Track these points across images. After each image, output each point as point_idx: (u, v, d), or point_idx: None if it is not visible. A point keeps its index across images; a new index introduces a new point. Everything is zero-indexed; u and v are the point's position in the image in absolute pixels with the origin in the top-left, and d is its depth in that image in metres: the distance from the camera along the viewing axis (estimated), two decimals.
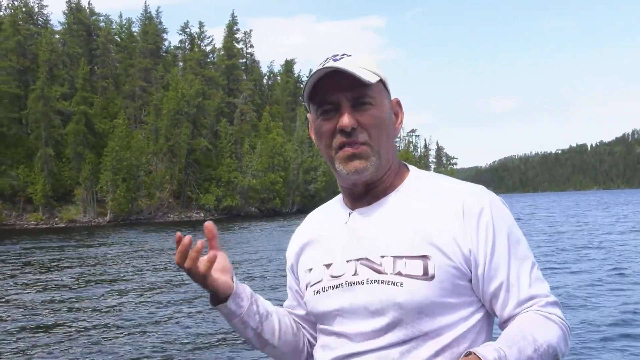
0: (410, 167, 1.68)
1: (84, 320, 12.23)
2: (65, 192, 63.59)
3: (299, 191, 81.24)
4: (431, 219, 1.51)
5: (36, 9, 74.33)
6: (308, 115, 1.72)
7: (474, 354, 1.26)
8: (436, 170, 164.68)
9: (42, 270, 20.87)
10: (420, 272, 1.46)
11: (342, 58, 1.57)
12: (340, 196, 1.78)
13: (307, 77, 1.62)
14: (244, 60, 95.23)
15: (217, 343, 10.05)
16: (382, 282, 1.49)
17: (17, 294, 15.86)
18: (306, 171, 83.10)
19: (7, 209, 60.49)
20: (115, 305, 13.83)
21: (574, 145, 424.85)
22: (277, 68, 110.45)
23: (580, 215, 53.07)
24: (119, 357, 9.37)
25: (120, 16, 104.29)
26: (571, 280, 15.46)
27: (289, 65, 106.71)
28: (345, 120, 1.53)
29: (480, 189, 1.60)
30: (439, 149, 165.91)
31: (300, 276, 1.77)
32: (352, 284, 1.55)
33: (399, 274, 1.47)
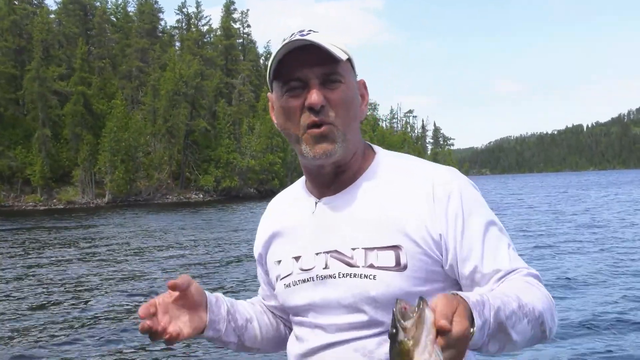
0: (376, 148, 1.60)
1: (79, 299, 12.32)
2: (64, 174, 63.49)
3: (297, 172, 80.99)
4: (400, 205, 1.46)
5: None
6: (269, 94, 1.62)
7: (457, 294, 1.16)
8: (433, 150, 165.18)
9: (40, 252, 20.77)
10: (393, 263, 1.42)
11: (309, 34, 1.48)
12: (302, 181, 1.70)
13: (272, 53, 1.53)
14: (240, 40, 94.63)
15: None
16: (355, 275, 1.44)
17: (15, 275, 15.77)
18: None
19: (5, 190, 60.39)
20: (115, 286, 13.80)
21: (570, 125, 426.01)
22: (274, 48, 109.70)
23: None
24: (114, 334, 9.37)
25: None
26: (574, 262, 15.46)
27: None
28: (314, 97, 1.44)
29: (449, 171, 1.53)
30: (436, 130, 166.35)
31: (269, 268, 1.72)
32: (324, 277, 1.50)
33: (371, 266, 1.43)
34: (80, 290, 13.45)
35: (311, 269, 1.54)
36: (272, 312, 1.82)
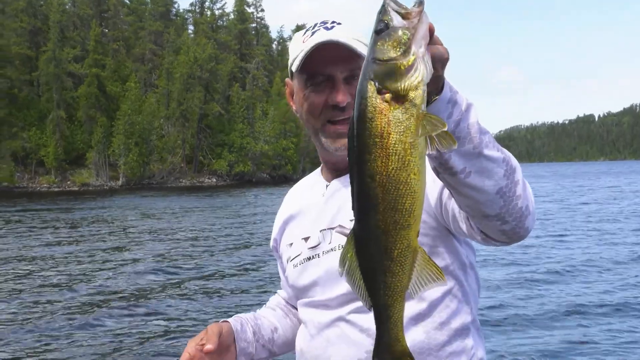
0: None
1: (94, 278, 12.47)
2: (78, 156, 63.63)
3: (309, 158, 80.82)
4: None
5: None
6: (288, 80, 1.74)
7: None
8: None
9: (54, 233, 20.90)
10: None
11: (334, 26, 1.56)
12: (319, 169, 1.82)
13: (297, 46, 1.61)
14: (254, 25, 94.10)
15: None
16: None
17: (29, 255, 15.87)
18: None
19: (20, 172, 60.56)
20: (126, 266, 13.92)
21: (581, 115, 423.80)
22: (287, 33, 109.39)
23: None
24: (124, 313, 9.45)
25: None
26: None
27: (299, 30, 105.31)
28: (340, 96, 1.53)
29: None
30: None
31: (282, 252, 1.81)
32: (328, 252, 1.58)
33: None
34: (94, 270, 13.55)
35: (317, 245, 1.62)
36: (292, 308, 1.92)
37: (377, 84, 0.97)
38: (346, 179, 1.53)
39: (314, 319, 1.63)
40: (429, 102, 1.08)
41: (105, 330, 8.76)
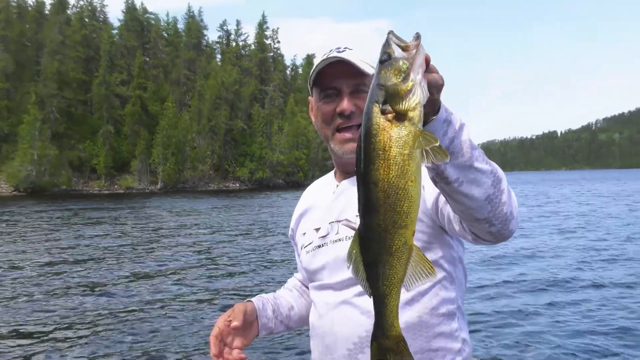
0: None
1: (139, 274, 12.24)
2: (124, 164, 63.74)
3: (318, 166, 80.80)
4: None
5: (98, 8, 73.79)
6: (310, 98, 1.73)
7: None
8: None
9: (104, 228, 20.99)
10: None
11: (345, 51, 1.56)
12: (333, 172, 1.81)
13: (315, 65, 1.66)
14: (271, 54, 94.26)
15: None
16: None
17: (82, 244, 15.93)
18: (324, 149, 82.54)
19: (76, 177, 60.78)
20: (167, 256, 13.84)
21: (546, 131, 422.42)
22: (299, 61, 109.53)
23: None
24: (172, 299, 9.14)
25: (167, 15, 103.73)
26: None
27: (309, 59, 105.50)
28: (345, 104, 1.55)
29: None
30: None
31: (297, 241, 1.81)
32: (335, 241, 1.57)
33: None
34: (139, 256, 13.60)
35: (326, 235, 1.61)
36: (306, 289, 1.90)
37: (381, 105, 0.98)
38: (354, 180, 1.48)
39: (322, 300, 1.62)
40: (427, 121, 1.08)
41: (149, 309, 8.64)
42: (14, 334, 7.39)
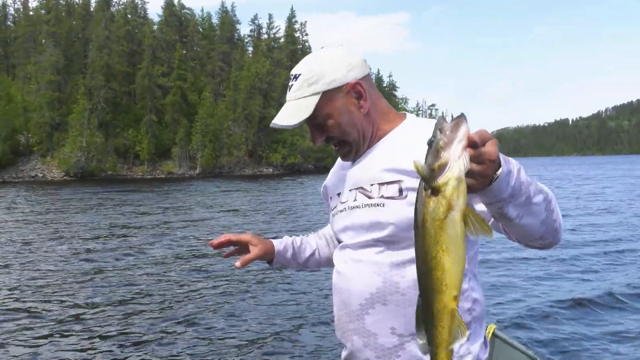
0: (408, 116, 1.63)
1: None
2: (165, 150, 64.07)
3: None
4: (406, 153, 1.46)
5: (139, 4, 73.89)
6: None
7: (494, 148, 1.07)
8: None
9: (148, 209, 21.19)
10: (397, 194, 1.46)
11: (292, 85, 1.54)
12: None
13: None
14: (300, 46, 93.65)
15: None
16: (371, 205, 1.51)
17: (129, 224, 16.11)
18: None
19: (120, 163, 61.34)
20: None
21: (558, 119, 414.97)
22: None
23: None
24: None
25: (202, 10, 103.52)
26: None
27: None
28: (314, 140, 1.59)
29: None
30: None
31: (328, 202, 1.80)
32: (353, 207, 1.58)
33: (382, 196, 1.48)
34: (185, 235, 13.67)
35: (346, 201, 1.61)
36: (335, 241, 1.87)
37: (423, 182, 1.01)
38: (366, 153, 1.57)
39: (341, 259, 1.62)
40: (492, 180, 1.09)
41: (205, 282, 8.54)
42: (71, 298, 7.46)
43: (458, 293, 1.03)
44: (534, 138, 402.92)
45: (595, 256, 10.09)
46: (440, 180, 0.98)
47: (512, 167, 1.15)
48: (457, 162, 0.98)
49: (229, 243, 1.75)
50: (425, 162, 1.01)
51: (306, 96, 1.50)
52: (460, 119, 1.01)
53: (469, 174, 1.01)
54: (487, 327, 2.61)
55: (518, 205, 1.18)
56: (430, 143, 1.02)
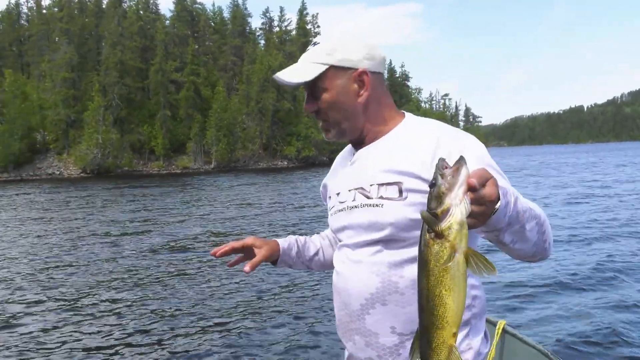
0: (407, 115, 1.61)
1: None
2: (180, 145, 63.80)
3: None
4: (406, 154, 1.47)
5: (151, 0, 73.50)
6: None
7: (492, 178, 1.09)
8: (464, 127, 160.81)
9: (164, 203, 21.13)
10: (397, 195, 1.46)
11: (308, 50, 1.57)
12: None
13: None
14: (312, 38, 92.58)
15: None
16: (370, 205, 1.51)
17: (147, 217, 16.13)
18: None
19: (136, 158, 61.24)
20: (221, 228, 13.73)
21: (572, 106, 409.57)
22: None
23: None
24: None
25: (213, 4, 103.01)
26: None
27: None
28: (305, 106, 1.60)
29: (458, 131, 1.51)
30: (467, 110, 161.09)
31: (327, 202, 1.80)
32: (352, 207, 1.57)
33: (381, 197, 1.48)
34: (203, 227, 13.71)
35: (345, 201, 1.60)
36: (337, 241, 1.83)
37: (426, 226, 1.04)
38: (364, 150, 1.57)
39: (340, 259, 1.61)
40: (491, 213, 1.11)
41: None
42: (96, 292, 7.50)
43: (457, 330, 1.07)
44: (549, 126, 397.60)
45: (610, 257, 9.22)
46: (444, 225, 1.01)
47: (510, 197, 1.17)
48: (458, 206, 1.01)
49: (232, 251, 1.69)
50: (428, 206, 1.04)
51: (315, 62, 1.52)
52: (460, 163, 1.03)
53: (470, 215, 1.03)
54: (497, 323, 2.68)
55: (513, 232, 1.22)
56: (432, 186, 1.04)
